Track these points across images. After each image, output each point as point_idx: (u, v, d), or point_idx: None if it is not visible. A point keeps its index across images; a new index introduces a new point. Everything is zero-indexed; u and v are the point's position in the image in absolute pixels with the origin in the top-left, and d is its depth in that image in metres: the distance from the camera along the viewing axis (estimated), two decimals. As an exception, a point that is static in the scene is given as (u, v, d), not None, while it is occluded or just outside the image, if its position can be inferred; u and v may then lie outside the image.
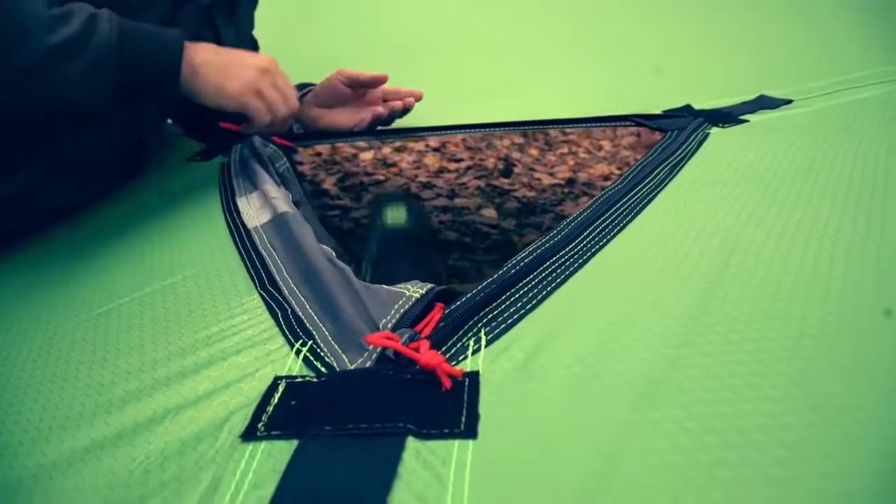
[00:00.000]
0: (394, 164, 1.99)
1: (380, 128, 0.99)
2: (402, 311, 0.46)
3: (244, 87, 0.72)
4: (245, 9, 1.02)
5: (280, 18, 1.08)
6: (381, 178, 1.90)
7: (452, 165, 1.99)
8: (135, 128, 0.87)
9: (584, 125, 0.90)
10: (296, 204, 0.70)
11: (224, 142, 0.94)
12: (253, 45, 1.11)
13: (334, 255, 0.57)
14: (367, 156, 1.97)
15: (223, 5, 0.90)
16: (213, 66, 0.71)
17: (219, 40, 0.89)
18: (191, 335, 0.48)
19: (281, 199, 0.68)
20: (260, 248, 0.59)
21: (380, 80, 0.95)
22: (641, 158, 0.72)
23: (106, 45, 0.62)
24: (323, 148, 1.18)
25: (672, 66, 1.14)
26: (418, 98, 0.95)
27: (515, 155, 2.03)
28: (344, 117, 0.97)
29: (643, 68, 1.16)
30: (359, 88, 0.96)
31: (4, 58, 0.58)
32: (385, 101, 0.96)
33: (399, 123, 0.99)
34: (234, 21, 0.95)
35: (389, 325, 0.45)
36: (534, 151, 2.08)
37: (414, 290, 0.48)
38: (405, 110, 0.96)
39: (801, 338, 0.40)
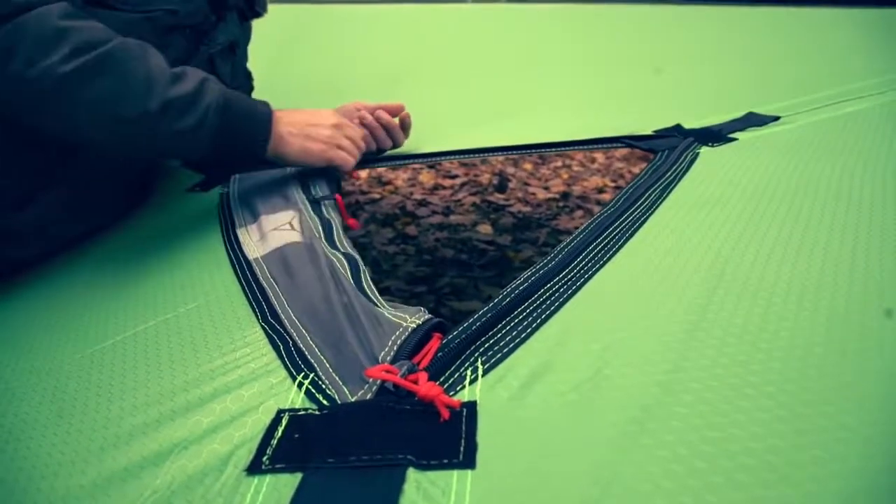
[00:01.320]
0: (389, 183, 2.01)
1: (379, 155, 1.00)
2: (398, 342, 0.47)
3: (325, 146, 0.80)
4: (242, 47, 1.04)
5: (273, 46, 1.09)
6: (377, 196, 1.91)
7: (447, 182, 2.01)
8: (145, 159, 0.91)
9: (575, 148, 0.91)
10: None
11: (223, 172, 0.95)
12: (247, 78, 1.13)
13: (345, 265, 0.60)
14: (363, 174, 1.99)
15: (226, 51, 0.93)
16: (295, 133, 0.78)
17: (216, 75, 0.91)
18: (194, 369, 0.49)
19: (286, 229, 0.69)
20: (261, 279, 0.60)
21: (397, 110, 0.97)
22: (633, 180, 0.73)
23: (214, 106, 0.69)
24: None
25: (663, 83, 1.15)
26: (399, 111, 0.97)
27: (510, 169, 2.05)
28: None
29: (634, 86, 1.17)
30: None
31: (127, 105, 0.64)
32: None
33: (401, 149, 1.00)
34: (232, 58, 0.97)
35: (388, 358, 0.45)
36: (528, 166, 2.11)
37: (412, 321, 0.49)
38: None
39: (789, 359, 0.41)
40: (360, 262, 0.61)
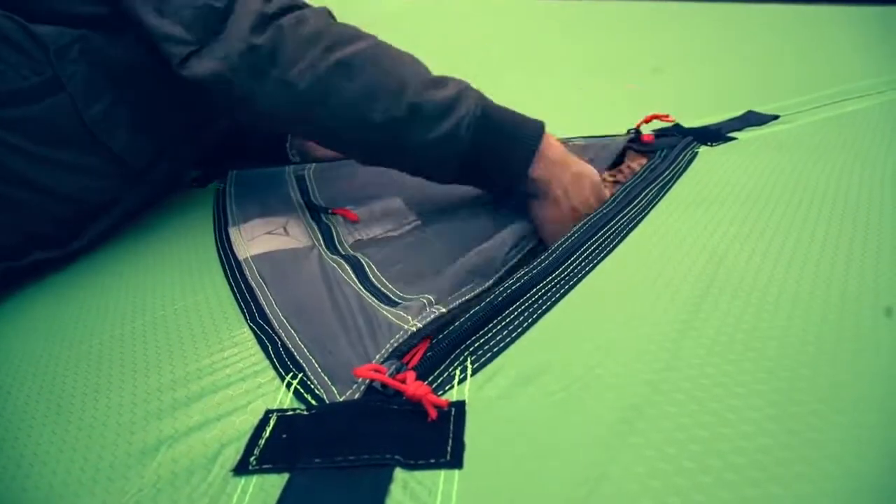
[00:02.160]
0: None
1: None
2: (395, 345, 0.47)
3: (583, 203, 0.68)
4: None
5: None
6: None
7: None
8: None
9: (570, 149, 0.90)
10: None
11: (220, 167, 0.95)
12: None
13: (347, 269, 0.60)
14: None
15: None
16: (564, 178, 0.68)
17: None
18: (182, 368, 0.48)
19: (279, 233, 0.69)
20: (250, 280, 0.60)
21: None
22: (631, 178, 0.73)
23: (469, 117, 0.63)
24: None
25: (661, 82, 1.15)
26: None
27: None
28: None
29: (632, 84, 1.17)
30: None
31: (376, 107, 0.62)
32: None
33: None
34: None
35: (381, 359, 0.45)
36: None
37: (413, 322, 0.48)
38: None
39: (781, 359, 0.40)
40: (366, 262, 0.61)
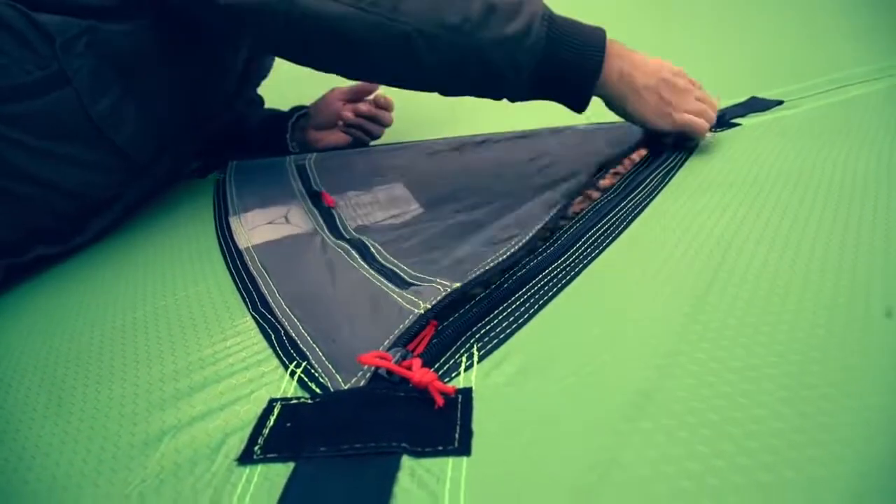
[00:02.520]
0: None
1: (373, 143, 1.00)
2: (404, 328, 0.46)
3: (683, 114, 0.71)
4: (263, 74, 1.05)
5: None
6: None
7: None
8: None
9: (571, 134, 0.89)
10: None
11: (220, 158, 0.94)
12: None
13: (352, 252, 0.59)
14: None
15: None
16: (651, 90, 0.69)
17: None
18: (184, 358, 0.48)
19: (280, 222, 0.68)
20: (251, 269, 0.59)
21: (374, 86, 0.97)
22: (635, 166, 0.72)
23: (540, 13, 0.63)
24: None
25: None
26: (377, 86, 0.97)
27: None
28: (342, 138, 0.98)
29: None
30: (354, 99, 0.97)
31: (452, 8, 0.61)
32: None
33: (393, 137, 1.00)
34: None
35: (389, 345, 0.44)
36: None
37: (424, 305, 0.47)
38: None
39: (792, 342, 0.40)
40: (371, 244, 0.60)
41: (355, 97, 0.97)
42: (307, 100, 1.03)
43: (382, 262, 0.57)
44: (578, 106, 0.69)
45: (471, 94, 0.69)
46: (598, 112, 0.93)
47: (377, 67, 0.68)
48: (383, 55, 0.64)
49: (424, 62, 0.64)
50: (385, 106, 0.97)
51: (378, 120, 0.97)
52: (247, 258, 0.62)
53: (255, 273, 0.58)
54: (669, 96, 0.70)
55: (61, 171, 0.66)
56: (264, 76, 1.07)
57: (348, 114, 0.96)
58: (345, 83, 0.91)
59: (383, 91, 0.98)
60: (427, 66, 0.65)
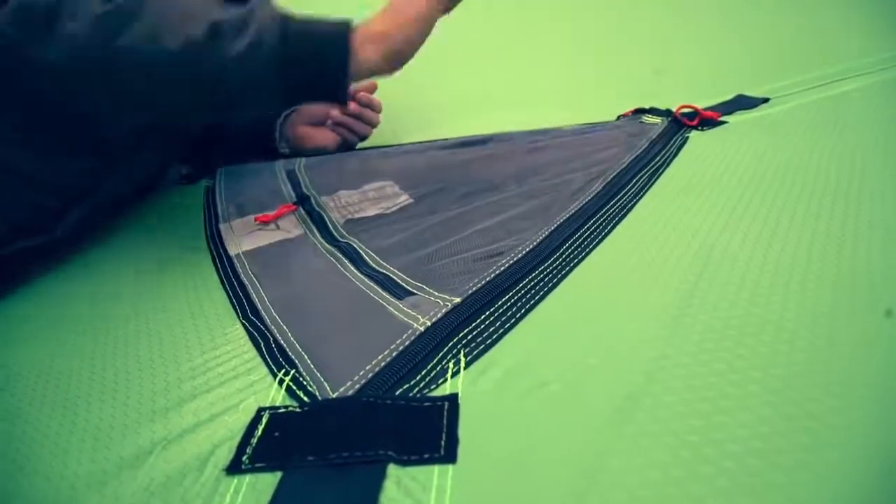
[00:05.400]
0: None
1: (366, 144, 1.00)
2: (400, 348, 0.45)
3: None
4: None
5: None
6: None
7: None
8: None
9: (559, 136, 0.90)
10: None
11: (209, 165, 0.94)
12: None
13: (342, 258, 0.59)
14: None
15: None
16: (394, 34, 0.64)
17: None
18: (174, 367, 0.48)
19: (271, 228, 0.68)
20: (242, 276, 0.59)
21: (369, 86, 0.96)
22: (622, 166, 0.72)
23: (269, 20, 0.60)
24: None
25: (650, 67, 1.14)
26: (373, 90, 0.96)
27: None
28: (330, 136, 0.98)
29: (623, 71, 1.16)
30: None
31: (169, 36, 0.57)
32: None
33: (392, 139, 1.00)
34: None
35: (384, 363, 0.44)
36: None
37: (423, 321, 0.47)
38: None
39: (776, 343, 0.40)
40: (361, 247, 0.60)
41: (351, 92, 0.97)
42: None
43: (375, 266, 0.57)
44: (340, 100, 0.66)
45: (229, 119, 0.69)
46: (589, 112, 0.95)
47: (125, 106, 0.65)
48: (118, 98, 0.62)
49: (161, 104, 0.63)
50: (370, 104, 0.96)
51: (364, 119, 0.97)
52: (237, 265, 0.62)
53: (245, 280, 0.58)
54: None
55: (36, 161, 0.66)
56: None
57: (335, 112, 0.96)
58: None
59: (379, 89, 0.97)
60: (168, 101, 0.63)
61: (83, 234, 0.75)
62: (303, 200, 0.76)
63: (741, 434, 0.34)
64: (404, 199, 0.72)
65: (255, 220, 0.72)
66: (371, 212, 0.70)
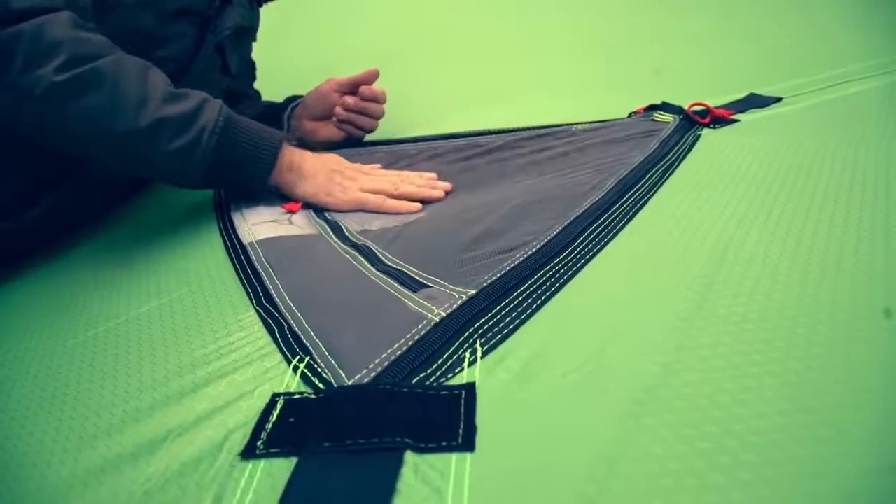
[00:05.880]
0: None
1: (369, 137, 1.00)
2: (416, 337, 0.45)
3: (357, 193, 0.74)
4: (251, 37, 1.04)
5: (266, 29, 1.08)
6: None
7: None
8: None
9: (571, 132, 0.89)
10: None
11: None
12: (251, 67, 1.12)
13: (359, 257, 0.59)
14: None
15: (233, 35, 0.91)
16: (320, 174, 0.75)
17: (226, 67, 0.91)
18: (188, 354, 0.48)
19: (285, 223, 0.68)
20: (255, 263, 0.59)
21: (372, 76, 0.95)
22: (635, 162, 0.72)
23: (210, 127, 0.66)
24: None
25: (663, 65, 1.14)
26: (374, 76, 0.96)
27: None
28: (336, 131, 0.98)
29: (635, 70, 1.16)
30: (350, 91, 0.96)
31: (117, 121, 0.62)
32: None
33: (395, 133, 1.00)
34: (241, 47, 0.96)
35: (399, 352, 0.44)
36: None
37: (438, 311, 0.47)
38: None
39: (794, 337, 0.40)
40: (377, 249, 0.60)
41: (350, 89, 0.96)
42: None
43: (389, 264, 0.57)
44: (252, 194, 0.76)
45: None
46: (600, 109, 0.94)
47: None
48: (51, 137, 0.66)
49: (97, 159, 0.71)
50: (373, 98, 0.95)
51: (368, 113, 0.96)
52: (251, 253, 0.62)
53: (259, 267, 0.58)
54: (340, 179, 0.75)
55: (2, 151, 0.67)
56: (248, 66, 1.07)
57: (339, 108, 0.96)
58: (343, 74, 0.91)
59: (387, 82, 0.97)
60: (100, 162, 0.72)
61: (69, 219, 0.75)
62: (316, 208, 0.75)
63: (761, 426, 0.34)
64: (416, 211, 0.71)
65: (283, 207, 0.74)
66: (387, 221, 0.69)
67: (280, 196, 0.76)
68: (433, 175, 0.77)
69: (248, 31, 1.00)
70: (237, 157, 0.69)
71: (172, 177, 0.70)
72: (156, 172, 0.71)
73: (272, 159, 0.71)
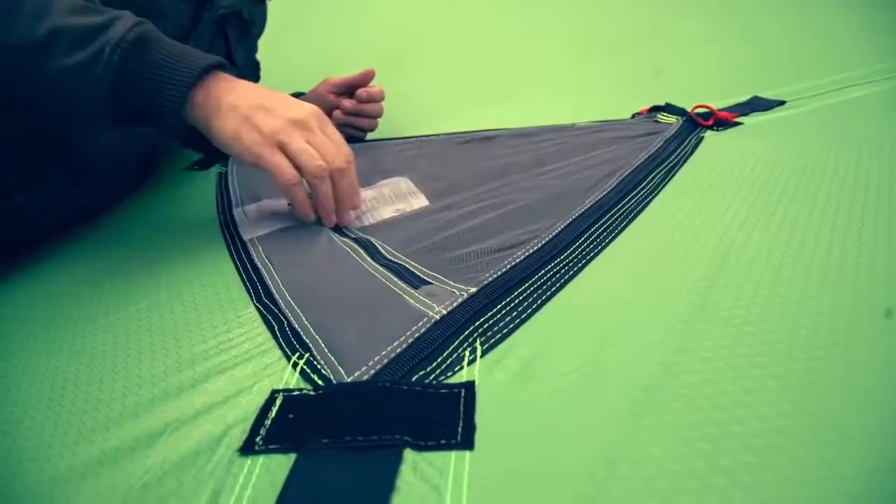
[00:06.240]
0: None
1: (369, 137, 1.00)
2: (416, 335, 0.45)
3: (262, 140, 0.61)
4: (256, 32, 1.03)
5: (266, 29, 1.09)
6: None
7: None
8: (152, 135, 0.86)
9: (574, 132, 0.89)
10: None
11: (221, 151, 0.94)
12: (256, 67, 1.12)
13: (359, 250, 0.59)
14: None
15: (237, 23, 0.90)
16: (239, 107, 0.61)
17: (230, 57, 0.90)
18: (188, 349, 0.48)
19: (288, 216, 0.68)
20: (255, 259, 0.59)
21: (368, 77, 0.95)
22: (638, 163, 0.72)
23: (115, 41, 0.56)
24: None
25: (664, 66, 1.14)
26: (370, 76, 0.95)
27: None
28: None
29: (638, 71, 1.16)
30: (347, 92, 0.96)
31: (13, 29, 0.56)
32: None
33: (395, 133, 1.00)
34: (247, 42, 0.96)
35: (399, 350, 0.44)
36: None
37: (439, 309, 0.47)
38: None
39: (795, 339, 0.40)
40: (377, 241, 0.60)
41: (346, 90, 0.96)
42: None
43: (391, 257, 0.56)
44: (170, 132, 0.65)
45: (63, 123, 0.65)
46: (603, 110, 0.94)
47: None
48: None
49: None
50: (370, 99, 0.94)
51: (367, 114, 0.96)
52: (251, 249, 0.61)
53: (259, 263, 0.58)
54: (261, 122, 0.61)
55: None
56: (252, 66, 1.06)
57: (337, 112, 0.96)
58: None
59: (389, 80, 0.97)
60: (9, 86, 0.60)
61: (65, 207, 0.74)
62: None
63: (761, 428, 0.34)
64: (420, 201, 0.71)
65: (289, 204, 0.70)
66: (387, 213, 0.69)
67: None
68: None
69: (251, 26, 0.99)
70: (145, 78, 0.58)
71: (72, 100, 0.59)
72: (54, 95, 0.58)
73: (186, 85, 0.59)
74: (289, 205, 0.70)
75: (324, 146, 0.63)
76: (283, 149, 0.61)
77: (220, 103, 0.60)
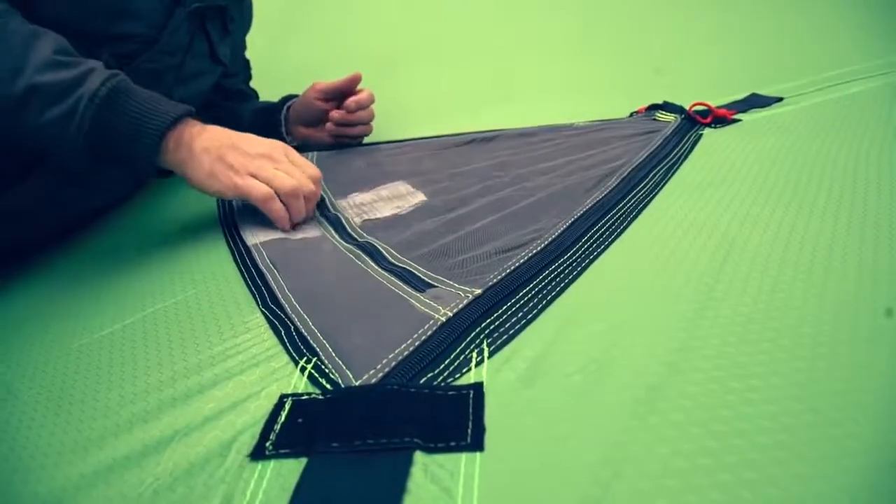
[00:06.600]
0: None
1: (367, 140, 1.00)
2: (423, 338, 0.45)
3: (233, 172, 0.65)
4: (239, 29, 1.02)
5: (264, 31, 1.09)
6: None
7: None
8: None
9: (573, 132, 0.90)
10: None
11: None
12: (246, 66, 1.11)
13: (362, 255, 0.59)
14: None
15: (218, 18, 0.89)
16: (209, 150, 0.65)
17: (214, 54, 0.89)
18: (195, 355, 0.48)
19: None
20: (260, 265, 0.59)
21: (355, 82, 0.95)
22: (638, 162, 0.72)
23: (89, 95, 0.60)
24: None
25: (663, 65, 1.14)
26: (357, 81, 0.95)
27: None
28: (330, 139, 0.98)
29: (636, 70, 1.16)
30: (335, 97, 0.96)
31: None
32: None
33: (395, 133, 1.00)
34: (230, 39, 0.95)
35: (406, 353, 0.44)
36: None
37: (445, 311, 0.47)
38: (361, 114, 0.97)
39: (799, 337, 0.40)
40: (380, 244, 0.60)
41: (333, 95, 0.96)
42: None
43: (394, 262, 0.57)
44: (146, 175, 0.69)
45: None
46: (601, 109, 0.95)
47: None
48: None
49: None
50: (358, 108, 0.95)
51: (357, 122, 0.96)
52: (255, 254, 0.62)
53: (263, 269, 0.58)
54: (233, 160, 0.66)
55: None
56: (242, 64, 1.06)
57: (329, 124, 0.96)
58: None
59: (385, 83, 0.97)
60: None
61: (61, 208, 0.73)
62: (318, 204, 0.75)
63: (768, 426, 0.34)
64: (419, 198, 0.72)
65: None
66: (387, 212, 0.70)
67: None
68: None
69: (232, 21, 0.97)
70: (119, 130, 0.61)
71: (55, 150, 0.62)
72: (36, 140, 0.62)
73: (158, 135, 0.62)
74: None
75: (292, 171, 0.68)
76: (255, 178, 0.66)
77: (192, 148, 0.65)
